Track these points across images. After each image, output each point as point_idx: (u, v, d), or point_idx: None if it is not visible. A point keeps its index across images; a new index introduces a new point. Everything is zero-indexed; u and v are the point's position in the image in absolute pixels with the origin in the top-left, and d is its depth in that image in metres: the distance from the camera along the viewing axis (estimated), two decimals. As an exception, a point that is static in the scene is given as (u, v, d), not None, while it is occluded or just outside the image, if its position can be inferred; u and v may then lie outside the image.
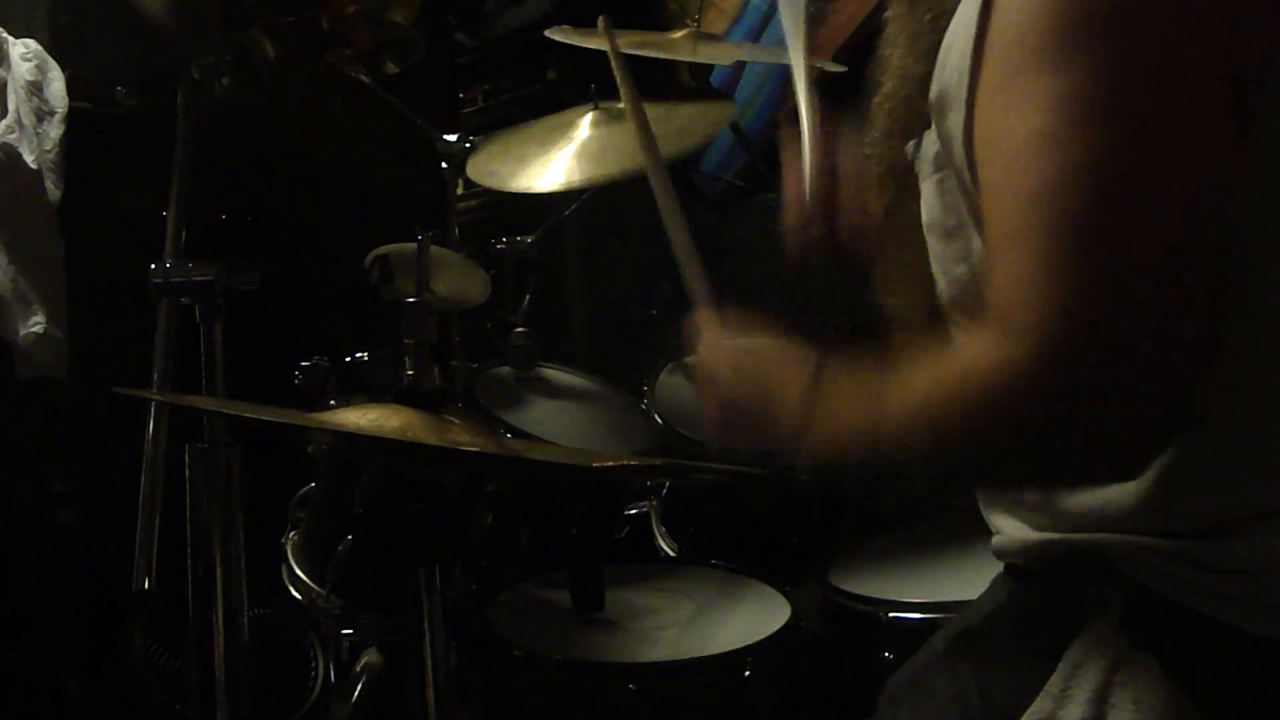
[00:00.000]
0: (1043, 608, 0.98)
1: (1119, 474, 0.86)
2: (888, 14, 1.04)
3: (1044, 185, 0.80)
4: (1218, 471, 0.87)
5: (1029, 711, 0.92)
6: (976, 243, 0.94)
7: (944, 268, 1.00)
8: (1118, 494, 0.90)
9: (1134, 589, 0.90)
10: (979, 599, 1.08)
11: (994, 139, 0.85)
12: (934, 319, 1.03)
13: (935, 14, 0.97)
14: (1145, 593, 0.90)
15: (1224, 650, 0.87)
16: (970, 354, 0.85)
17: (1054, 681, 0.91)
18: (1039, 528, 0.97)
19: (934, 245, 1.01)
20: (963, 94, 0.88)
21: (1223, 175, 0.81)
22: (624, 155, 2.04)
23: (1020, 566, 1.01)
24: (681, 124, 2.15)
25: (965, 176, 0.91)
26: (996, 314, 0.82)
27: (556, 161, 2.10)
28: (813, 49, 1.30)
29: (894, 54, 1.03)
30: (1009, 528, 1.01)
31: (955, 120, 0.90)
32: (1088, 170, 0.79)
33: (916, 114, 1.00)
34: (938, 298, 1.02)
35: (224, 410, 1.33)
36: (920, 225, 1.02)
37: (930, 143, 0.98)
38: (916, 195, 1.02)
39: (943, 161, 0.96)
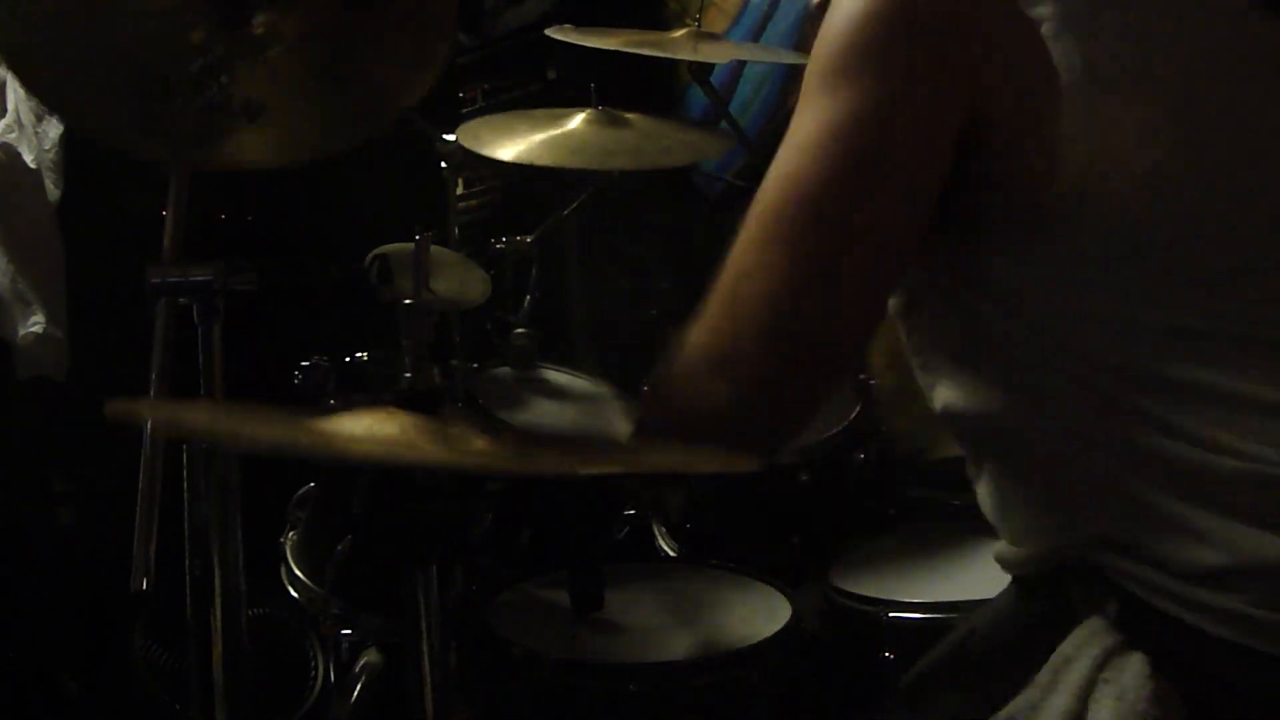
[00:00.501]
0: (1040, 611, 1.00)
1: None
2: None
3: (769, 181, 1.00)
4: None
5: (1016, 700, 0.94)
6: None
7: None
8: (1096, 516, 0.94)
9: (1126, 596, 0.92)
10: (985, 605, 1.10)
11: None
12: None
13: None
14: (1136, 600, 0.92)
15: (1211, 656, 0.89)
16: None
17: (1043, 673, 0.93)
18: (1035, 542, 1.00)
19: None
20: None
21: (910, 215, 0.95)
22: (608, 152, 2.06)
23: (1019, 576, 1.03)
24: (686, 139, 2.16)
25: None
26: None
27: (539, 141, 2.10)
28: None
29: None
30: (1006, 538, 1.04)
31: None
32: (793, 179, 0.97)
33: None
34: None
35: (217, 431, 1.31)
36: None
37: None
38: None
39: None
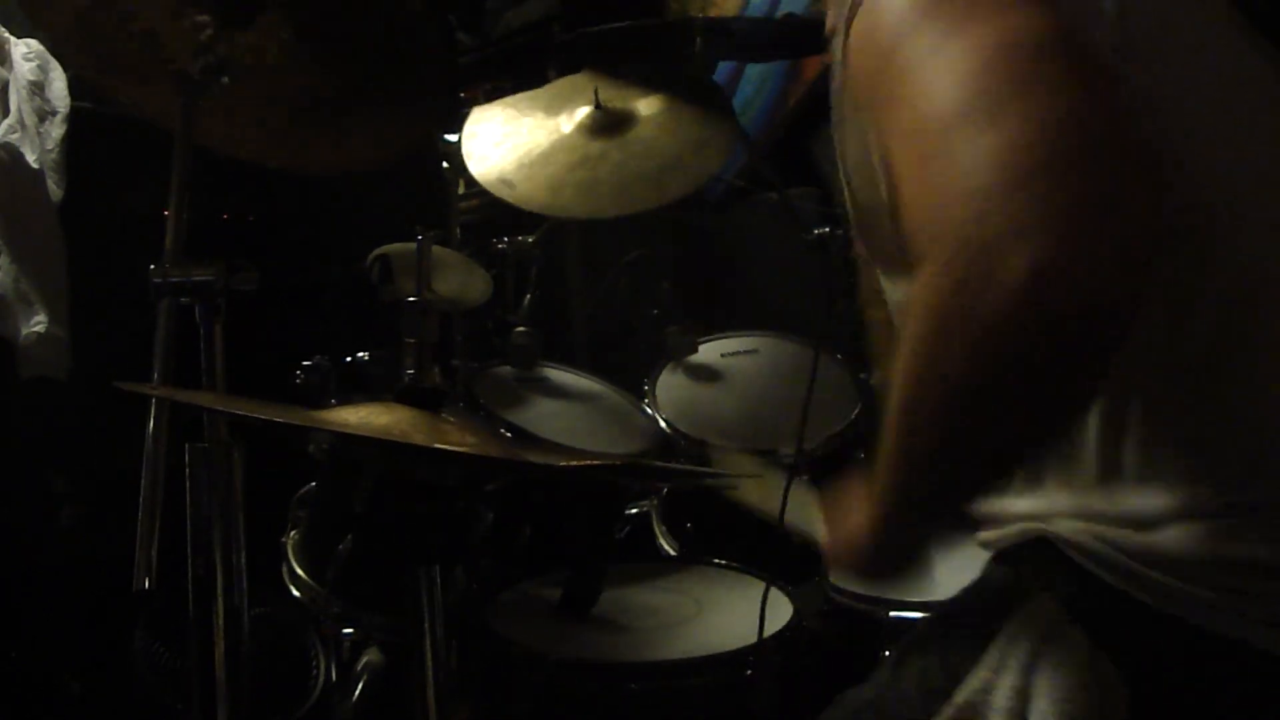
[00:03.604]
0: (998, 586, 1.01)
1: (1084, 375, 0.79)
2: None
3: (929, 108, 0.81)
4: (1145, 473, 0.91)
5: (968, 681, 0.95)
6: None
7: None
8: (1058, 487, 0.94)
9: (1076, 572, 0.93)
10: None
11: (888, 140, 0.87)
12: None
13: None
14: (1086, 576, 0.92)
15: (1156, 634, 0.89)
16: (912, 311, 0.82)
17: (991, 653, 0.94)
18: (1002, 514, 1.01)
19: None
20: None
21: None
22: (616, 189, 2.04)
23: (991, 548, 1.04)
24: (689, 138, 2.16)
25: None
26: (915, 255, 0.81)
27: (545, 179, 2.09)
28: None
29: None
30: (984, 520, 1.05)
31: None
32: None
33: None
34: None
35: (220, 407, 1.33)
36: None
37: None
38: None
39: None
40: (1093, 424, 0.93)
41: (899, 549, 1.01)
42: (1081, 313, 0.73)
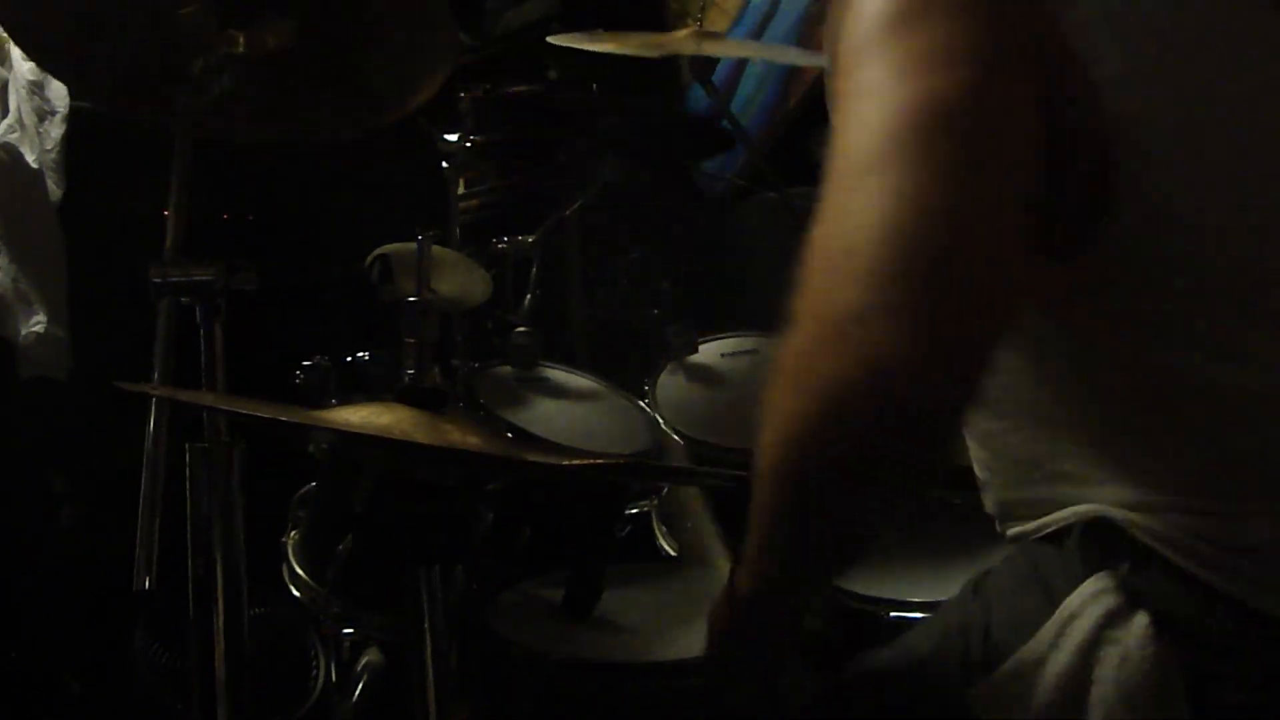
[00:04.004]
0: (1051, 561, 0.99)
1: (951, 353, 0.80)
2: None
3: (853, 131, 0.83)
4: (1213, 474, 0.91)
5: (1021, 650, 0.95)
6: None
7: None
8: (1115, 476, 0.94)
9: (1139, 551, 0.92)
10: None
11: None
12: None
13: None
14: (1150, 555, 0.92)
15: (1220, 618, 0.89)
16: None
17: (1048, 627, 0.94)
18: (1033, 490, 1.01)
19: None
20: None
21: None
22: None
23: (1031, 536, 1.03)
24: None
25: None
26: None
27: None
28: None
29: None
30: (1000, 493, 1.06)
31: None
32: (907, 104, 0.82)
33: None
34: None
35: (222, 406, 1.33)
36: None
37: None
38: None
39: None
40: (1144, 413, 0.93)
41: (765, 617, 1.00)
42: (919, 408, 0.76)
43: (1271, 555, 0.88)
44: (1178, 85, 0.93)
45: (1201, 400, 0.92)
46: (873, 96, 0.82)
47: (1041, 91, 0.84)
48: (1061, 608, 0.94)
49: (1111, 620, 0.91)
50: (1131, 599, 0.91)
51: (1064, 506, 0.99)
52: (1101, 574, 0.94)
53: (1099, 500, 0.95)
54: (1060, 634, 0.93)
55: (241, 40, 1.49)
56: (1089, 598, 0.93)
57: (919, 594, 1.57)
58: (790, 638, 1.01)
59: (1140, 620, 0.90)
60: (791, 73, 3.13)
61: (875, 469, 0.81)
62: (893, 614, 1.55)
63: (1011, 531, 1.06)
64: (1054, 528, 1.00)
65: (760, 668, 1.04)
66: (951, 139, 0.79)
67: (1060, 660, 0.92)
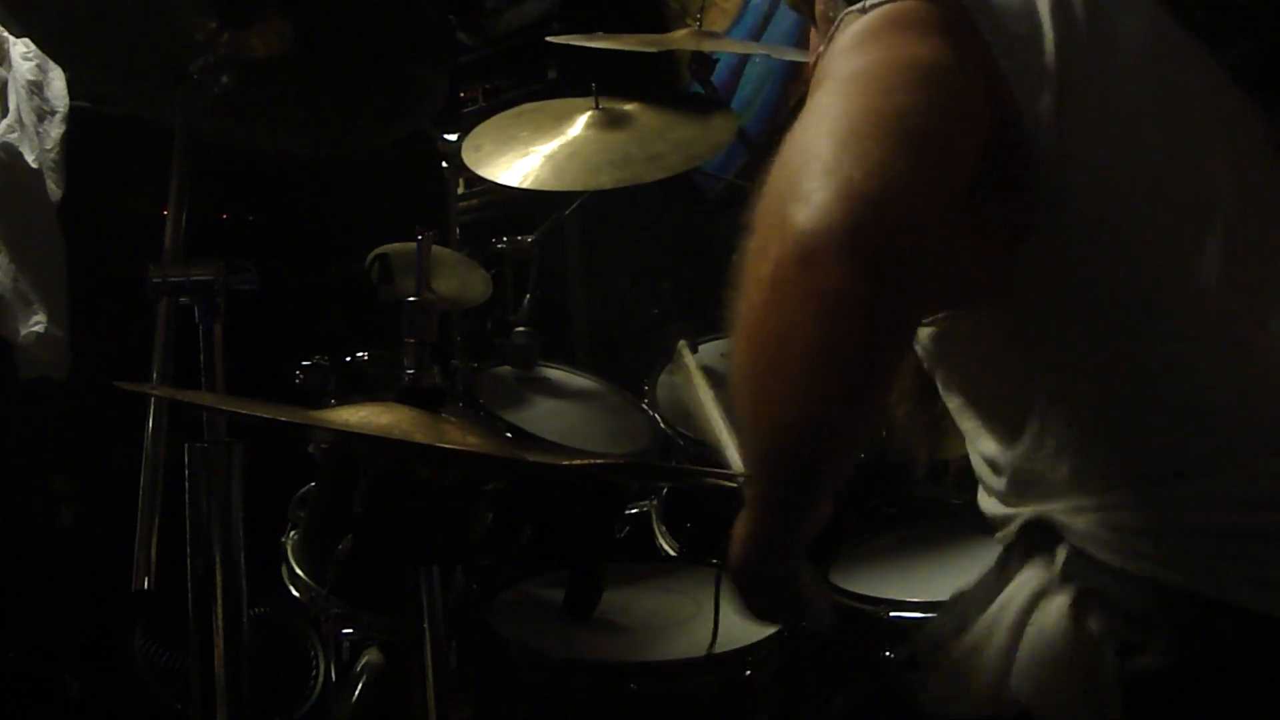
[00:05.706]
0: (1007, 562, 1.09)
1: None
2: None
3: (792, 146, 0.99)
4: (1095, 445, 1.01)
5: (972, 631, 1.05)
6: None
7: None
8: (1048, 469, 1.03)
9: (1072, 549, 1.02)
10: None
11: None
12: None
13: None
14: (1078, 548, 1.01)
15: (1138, 595, 0.98)
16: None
17: (989, 612, 1.04)
18: (1005, 504, 1.10)
19: None
20: None
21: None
22: (616, 164, 2.06)
23: (1000, 535, 1.13)
24: (684, 135, 2.17)
25: None
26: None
27: (545, 158, 2.11)
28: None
29: None
30: (987, 505, 1.14)
31: None
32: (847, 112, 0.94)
33: None
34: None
35: (221, 406, 1.33)
36: None
37: None
38: None
39: None
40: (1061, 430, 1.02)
41: (776, 546, 1.03)
42: (891, 246, 0.87)
43: (1164, 533, 0.97)
44: (1103, 109, 1.00)
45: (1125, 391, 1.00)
46: (836, 97, 0.95)
47: (982, 105, 0.95)
48: (1003, 593, 1.04)
49: (1037, 602, 1.01)
50: (1060, 583, 1.01)
51: (1013, 517, 1.08)
52: (1036, 561, 1.03)
53: (1042, 502, 1.05)
54: (999, 616, 1.03)
55: (239, 39, 1.50)
56: (1023, 583, 1.03)
57: (919, 594, 1.57)
58: (800, 543, 1.05)
59: (1061, 600, 0.99)
60: (791, 73, 3.13)
61: (846, 310, 0.90)
62: (892, 614, 1.55)
63: (996, 537, 1.13)
64: (1011, 536, 1.09)
65: (775, 572, 1.06)
66: (907, 140, 0.91)
67: (998, 641, 1.02)
